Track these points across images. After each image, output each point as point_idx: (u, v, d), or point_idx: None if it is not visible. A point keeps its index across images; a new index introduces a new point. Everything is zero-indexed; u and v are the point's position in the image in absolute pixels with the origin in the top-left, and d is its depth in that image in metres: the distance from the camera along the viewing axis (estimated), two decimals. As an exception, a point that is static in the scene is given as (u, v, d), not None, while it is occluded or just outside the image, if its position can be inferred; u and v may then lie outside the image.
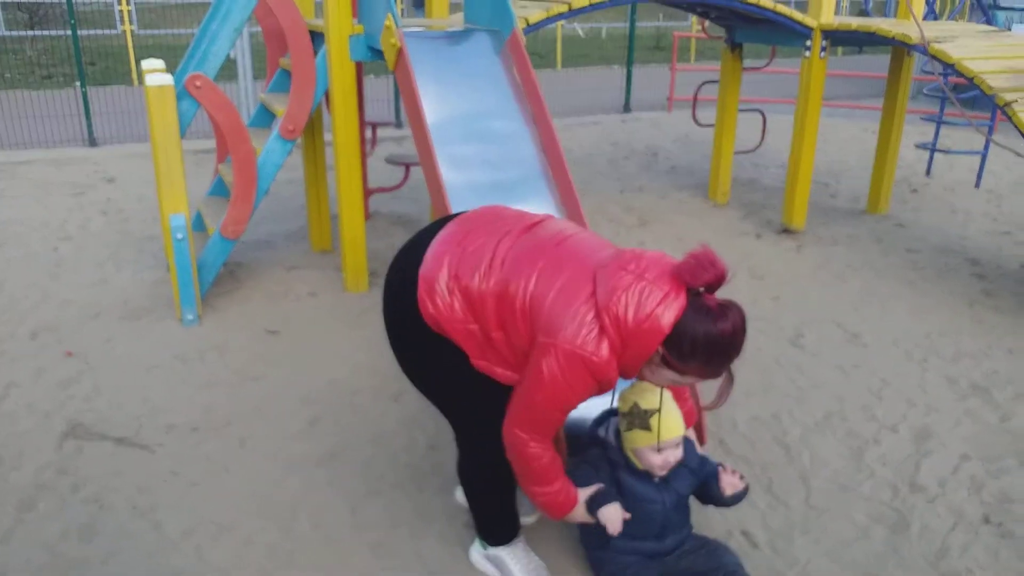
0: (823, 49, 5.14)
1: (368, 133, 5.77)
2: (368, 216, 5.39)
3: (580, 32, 18.06)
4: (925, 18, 6.16)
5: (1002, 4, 10.52)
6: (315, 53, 4.10)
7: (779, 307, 4.32)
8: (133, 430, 3.05)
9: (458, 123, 3.56)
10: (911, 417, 3.23)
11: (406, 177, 5.54)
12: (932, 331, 4.02)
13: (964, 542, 2.50)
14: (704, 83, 6.70)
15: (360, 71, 5.15)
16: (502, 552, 2.30)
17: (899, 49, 5.50)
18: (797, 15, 5.05)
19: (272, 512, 2.60)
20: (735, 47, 5.89)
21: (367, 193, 5.37)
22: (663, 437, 2.09)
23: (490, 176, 3.44)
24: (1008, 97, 4.15)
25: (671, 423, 2.11)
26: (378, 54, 3.90)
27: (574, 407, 1.86)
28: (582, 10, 4.41)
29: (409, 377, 2.14)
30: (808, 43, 5.12)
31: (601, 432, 2.25)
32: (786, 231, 5.51)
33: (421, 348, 2.01)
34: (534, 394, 1.82)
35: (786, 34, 5.22)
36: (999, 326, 4.08)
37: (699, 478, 2.26)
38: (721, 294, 1.81)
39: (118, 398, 3.28)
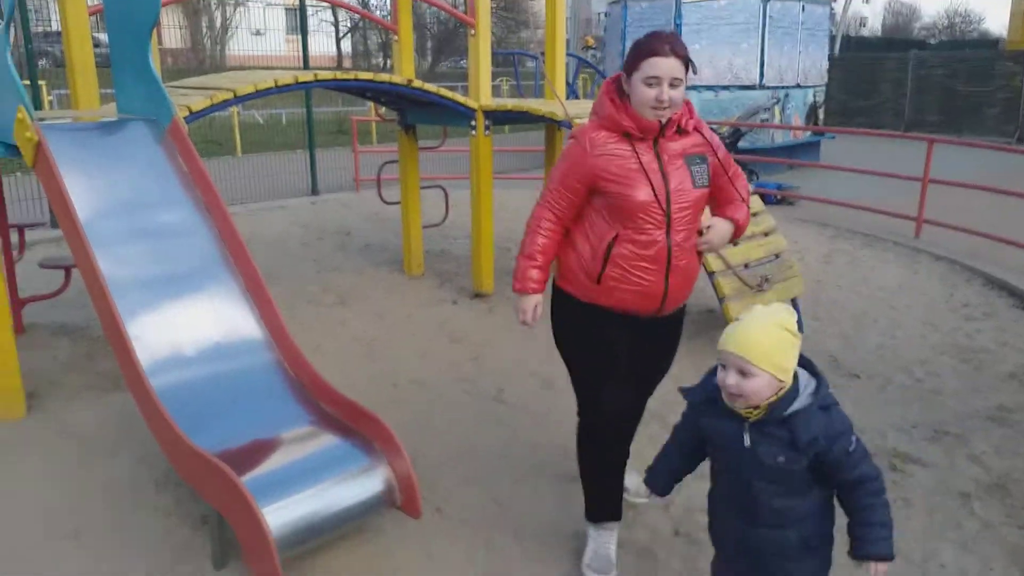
0: (487, 128, 5.60)
1: (15, 237, 5.07)
2: (22, 330, 4.69)
3: (259, 118, 17.79)
4: (568, 98, 7.03)
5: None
6: (-70, 151, 3.53)
7: (479, 366, 4.53)
8: None
9: (118, 218, 3.27)
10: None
11: (67, 281, 4.94)
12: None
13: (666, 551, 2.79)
14: (385, 163, 6.92)
15: (-4, 169, 4.54)
16: (588, 527, 2.73)
17: (551, 125, 6.19)
18: (460, 98, 5.47)
19: None
20: (408, 128, 6.19)
21: (18, 303, 4.69)
22: (720, 344, 1.86)
23: (162, 270, 3.20)
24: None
25: (729, 331, 1.85)
26: (14, 149, 3.46)
27: (571, 166, 2.46)
28: (248, 97, 4.34)
29: None
30: (473, 123, 5.55)
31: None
32: (478, 295, 5.83)
33: (554, 316, 2.67)
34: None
35: (453, 115, 5.61)
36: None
37: (807, 456, 1.82)
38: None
39: None
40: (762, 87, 12.11)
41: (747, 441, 1.86)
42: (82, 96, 4.38)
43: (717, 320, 4.94)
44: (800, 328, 1.86)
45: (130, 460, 3.34)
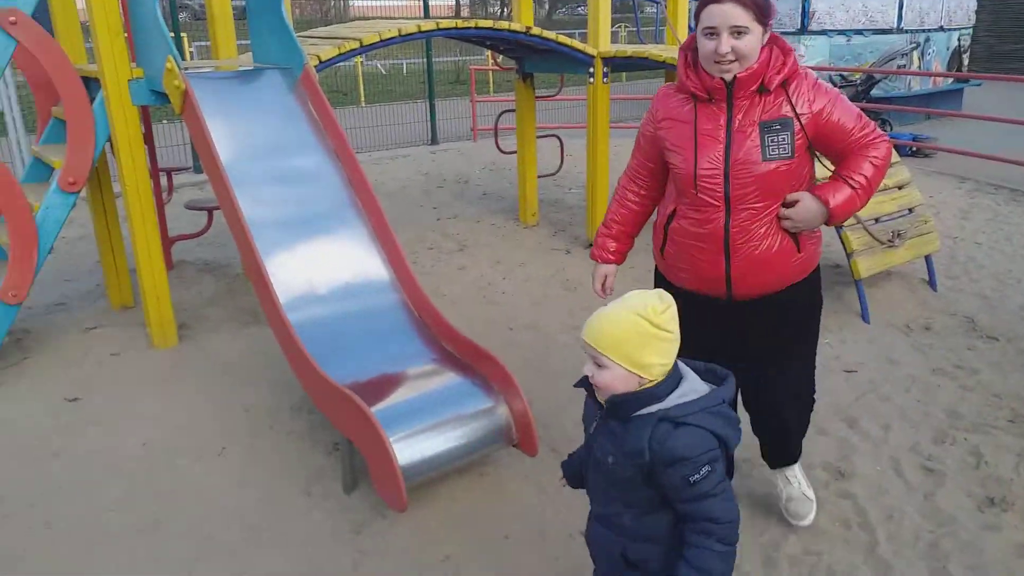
0: (605, 75, 5.53)
1: (164, 180, 5.46)
2: (172, 266, 5.10)
3: (381, 69, 18.17)
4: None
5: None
6: (92, 99, 3.84)
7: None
8: (-94, 532, 2.68)
9: (256, 162, 3.48)
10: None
11: (210, 222, 5.30)
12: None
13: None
14: (503, 112, 6.97)
15: (147, 116, 4.89)
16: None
17: (672, 72, 6.03)
18: (578, 44, 5.41)
19: (86, 595, 2.38)
20: (526, 77, 6.19)
21: (168, 242, 5.08)
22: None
23: (296, 212, 3.39)
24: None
25: (589, 318, 1.65)
26: (163, 97, 3.72)
27: (641, 136, 2.36)
28: (373, 46, 4.46)
29: None
30: (591, 70, 5.49)
31: None
32: (592, 246, 5.82)
33: None
34: None
35: (570, 63, 5.57)
36: None
37: (633, 465, 1.61)
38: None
39: None
40: (900, 31, 11.29)
41: (592, 429, 1.74)
42: (222, 46, 4.64)
43: (844, 276, 4.76)
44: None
45: (268, 388, 3.61)
